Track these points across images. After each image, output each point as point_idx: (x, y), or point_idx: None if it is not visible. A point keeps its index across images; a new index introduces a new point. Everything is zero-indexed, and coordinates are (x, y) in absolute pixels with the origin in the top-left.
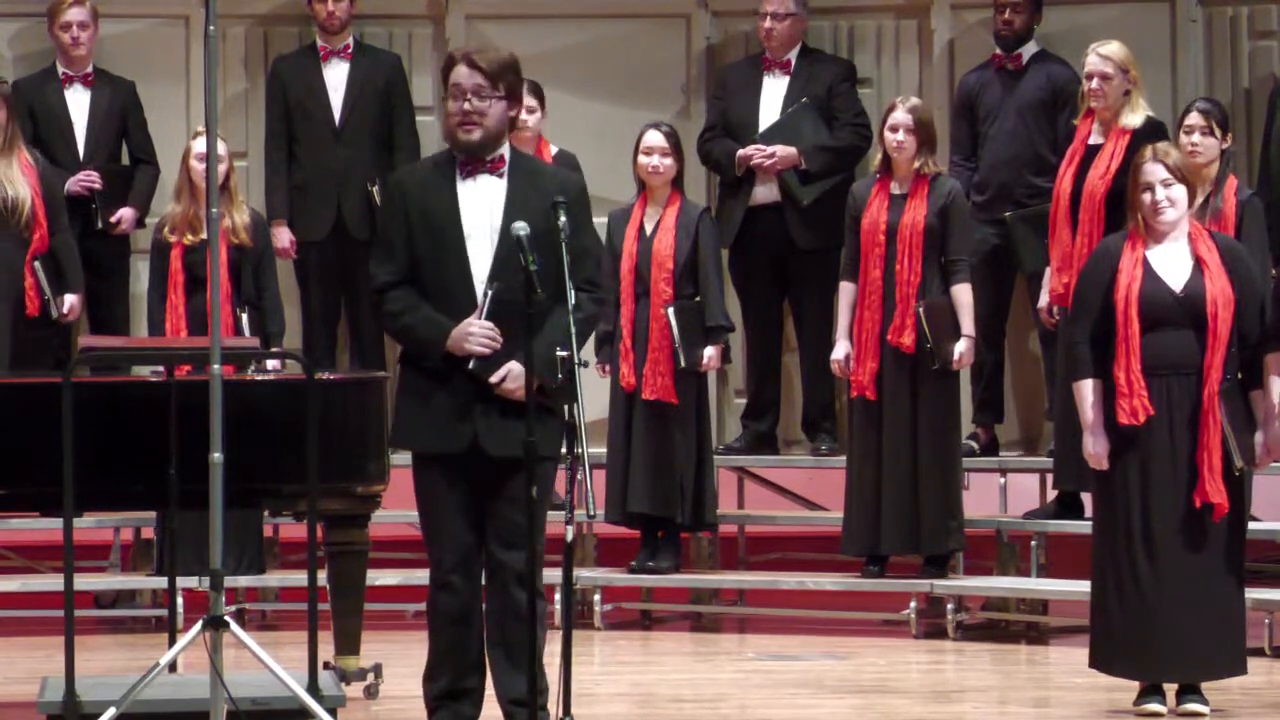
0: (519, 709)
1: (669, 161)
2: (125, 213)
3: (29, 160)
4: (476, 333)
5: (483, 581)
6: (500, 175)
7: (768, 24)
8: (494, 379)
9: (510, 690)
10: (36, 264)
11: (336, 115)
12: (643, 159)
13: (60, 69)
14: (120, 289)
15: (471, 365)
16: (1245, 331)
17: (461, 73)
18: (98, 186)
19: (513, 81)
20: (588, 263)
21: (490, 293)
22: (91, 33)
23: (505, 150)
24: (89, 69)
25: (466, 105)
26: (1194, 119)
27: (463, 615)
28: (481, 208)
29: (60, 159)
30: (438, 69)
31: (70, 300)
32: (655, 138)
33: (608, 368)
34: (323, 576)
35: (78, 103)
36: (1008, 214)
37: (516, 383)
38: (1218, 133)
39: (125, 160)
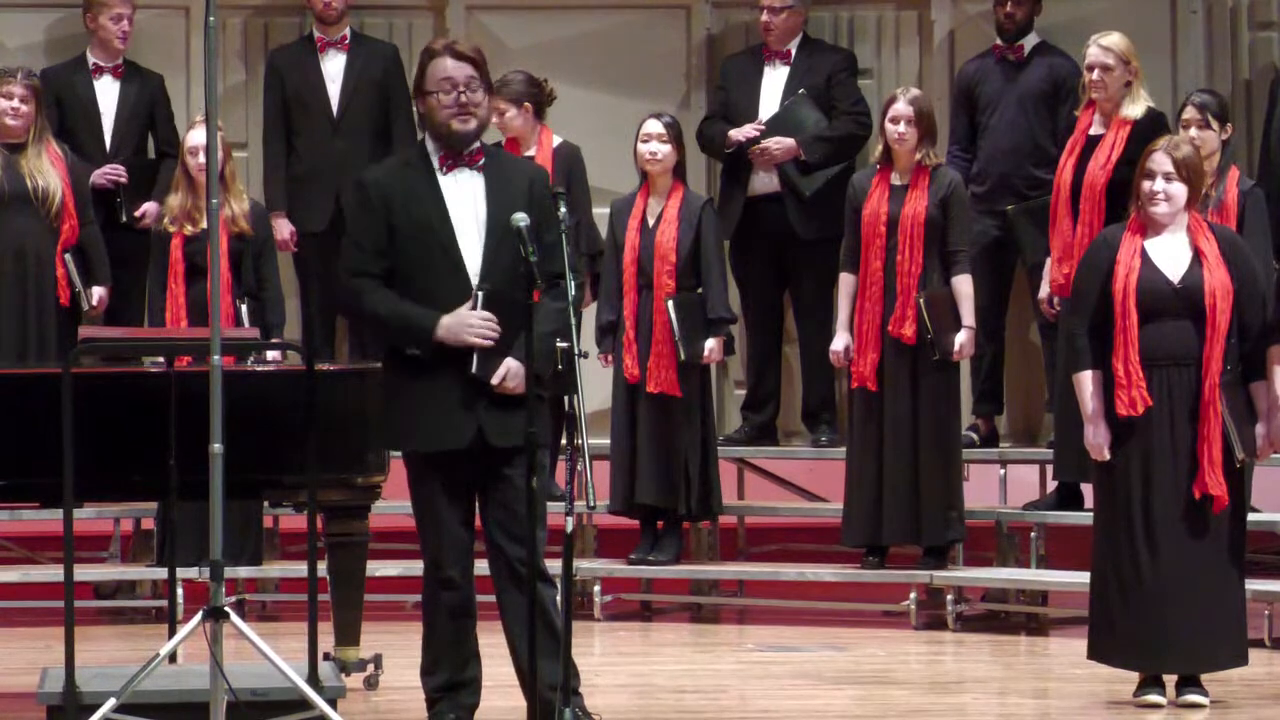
0: (558, 694)
1: (667, 149)
2: (149, 207)
3: (57, 152)
4: (477, 324)
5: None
6: (478, 168)
7: (765, 17)
8: (495, 379)
9: (550, 678)
10: (67, 256)
11: (334, 106)
12: (641, 146)
13: (91, 60)
14: (141, 282)
15: (474, 369)
16: (1246, 324)
17: (449, 65)
18: (123, 180)
19: (488, 72)
20: (559, 254)
21: (481, 294)
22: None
23: (478, 142)
24: (120, 61)
25: (463, 97)
26: (1190, 113)
27: (465, 609)
28: (466, 201)
29: (87, 150)
30: None
31: (99, 292)
32: (653, 126)
33: (610, 358)
34: (323, 567)
35: (106, 94)
36: (1009, 207)
37: (517, 380)
38: (1215, 125)
39: (151, 153)
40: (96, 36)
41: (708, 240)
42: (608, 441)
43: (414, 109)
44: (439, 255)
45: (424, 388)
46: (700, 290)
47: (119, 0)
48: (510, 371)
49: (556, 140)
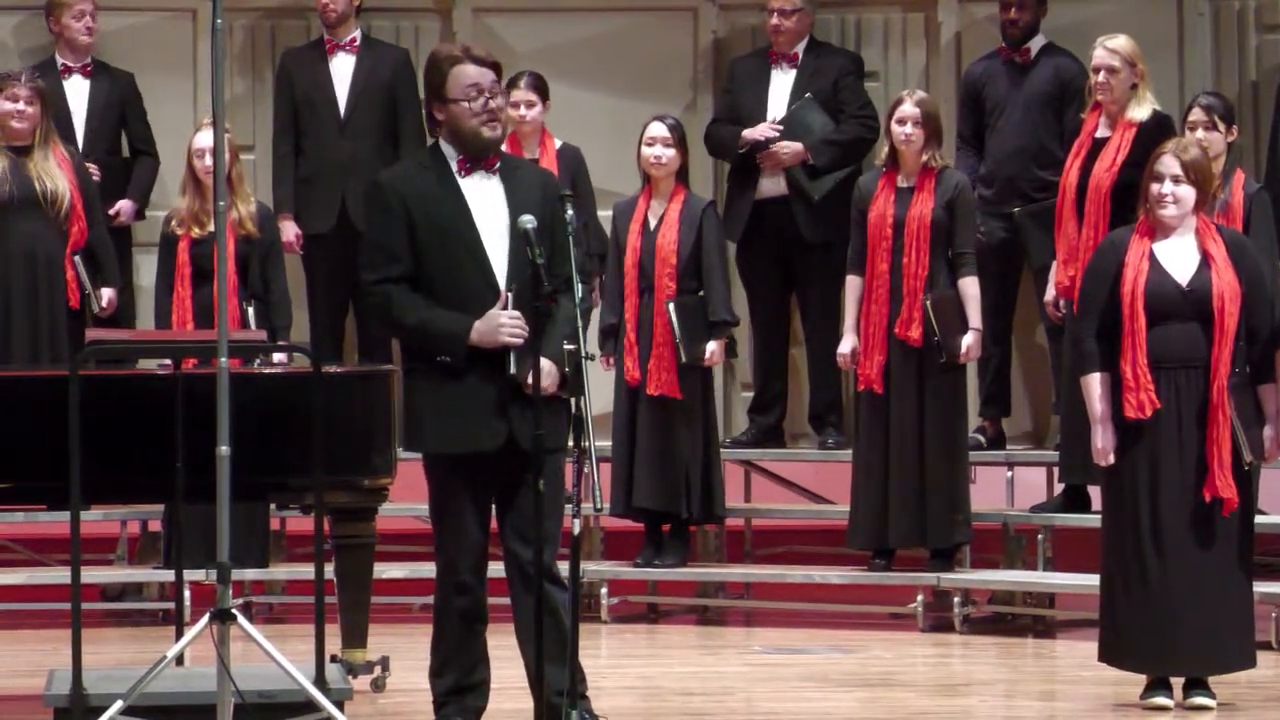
0: (564, 699)
1: (671, 153)
2: (124, 205)
3: (64, 154)
4: (507, 324)
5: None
6: (495, 172)
7: (775, 20)
8: (531, 380)
9: (557, 683)
10: (76, 258)
11: (341, 109)
12: (645, 150)
13: (60, 61)
14: (123, 281)
15: (513, 369)
16: (1254, 326)
17: (473, 72)
18: (96, 178)
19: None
20: (568, 256)
21: (511, 294)
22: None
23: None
24: (88, 60)
25: (491, 103)
26: (1196, 115)
27: (477, 613)
28: (488, 205)
29: None
30: None
31: (108, 294)
32: (658, 129)
33: (612, 360)
34: (330, 570)
35: (77, 94)
36: (1016, 209)
37: (551, 379)
38: (1221, 127)
39: (125, 152)
40: (63, 38)
41: (709, 243)
42: (609, 444)
43: (426, 114)
44: (465, 258)
45: (456, 390)
46: (701, 293)
47: (82, 1)
48: (544, 371)
49: (558, 143)
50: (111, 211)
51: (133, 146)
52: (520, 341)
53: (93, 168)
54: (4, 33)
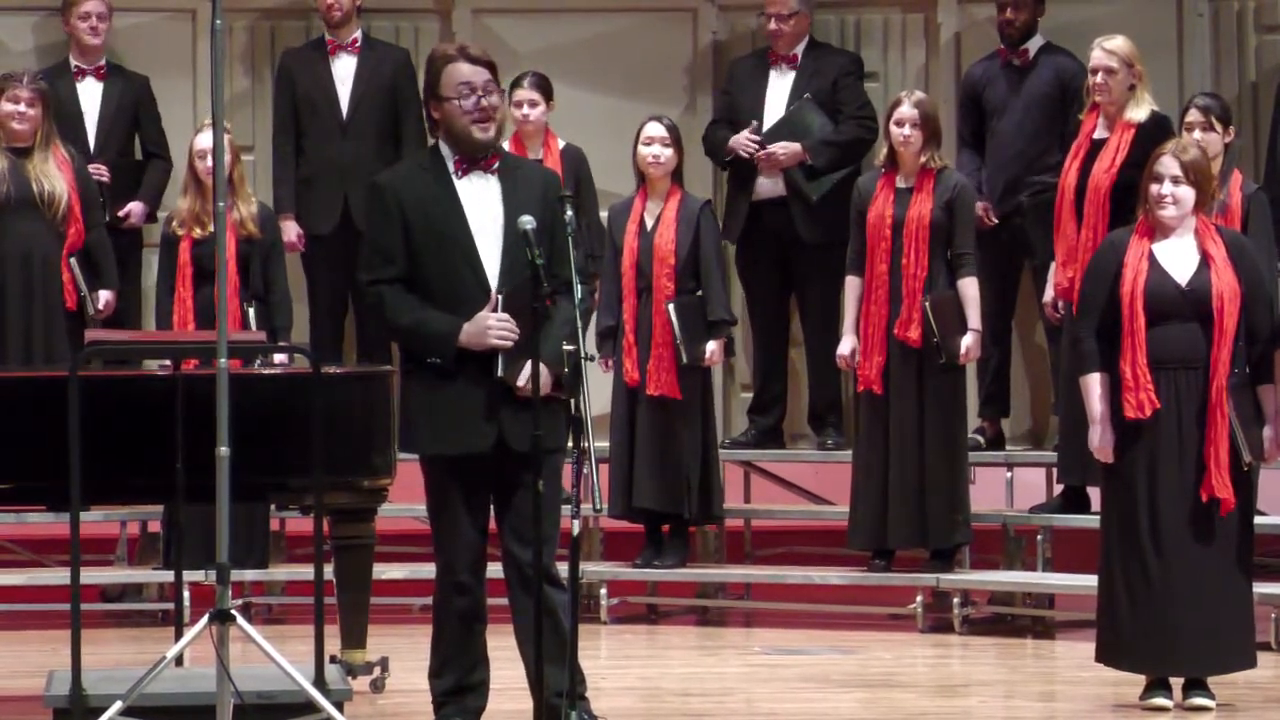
0: (564, 700)
1: (669, 152)
2: (134, 206)
3: (64, 156)
4: (495, 326)
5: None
6: (493, 172)
7: (773, 25)
8: (520, 382)
9: (556, 684)
10: (72, 260)
11: (343, 109)
12: (642, 149)
13: (73, 62)
14: (132, 283)
15: (500, 372)
16: (1253, 327)
17: (466, 70)
18: (105, 179)
19: (498, 75)
20: (568, 257)
21: (501, 296)
22: (108, 24)
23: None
24: (101, 61)
25: (485, 102)
26: (1194, 116)
27: (476, 614)
28: (483, 205)
29: None
30: None
31: (105, 296)
32: (655, 129)
33: (610, 362)
34: (329, 570)
35: (89, 95)
36: (1023, 198)
37: (544, 379)
38: (1218, 128)
39: (138, 154)
40: (73, 38)
41: (706, 242)
42: (607, 445)
43: (425, 114)
44: (459, 259)
45: (447, 392)
46: (700, 293)
47: (89, 2)
48: (533, 373)
49: (561, 143)
50: (121, 213)
51: (145, 149)
52: (508, 344)
53: (102, 169)
54: (22, 32)
